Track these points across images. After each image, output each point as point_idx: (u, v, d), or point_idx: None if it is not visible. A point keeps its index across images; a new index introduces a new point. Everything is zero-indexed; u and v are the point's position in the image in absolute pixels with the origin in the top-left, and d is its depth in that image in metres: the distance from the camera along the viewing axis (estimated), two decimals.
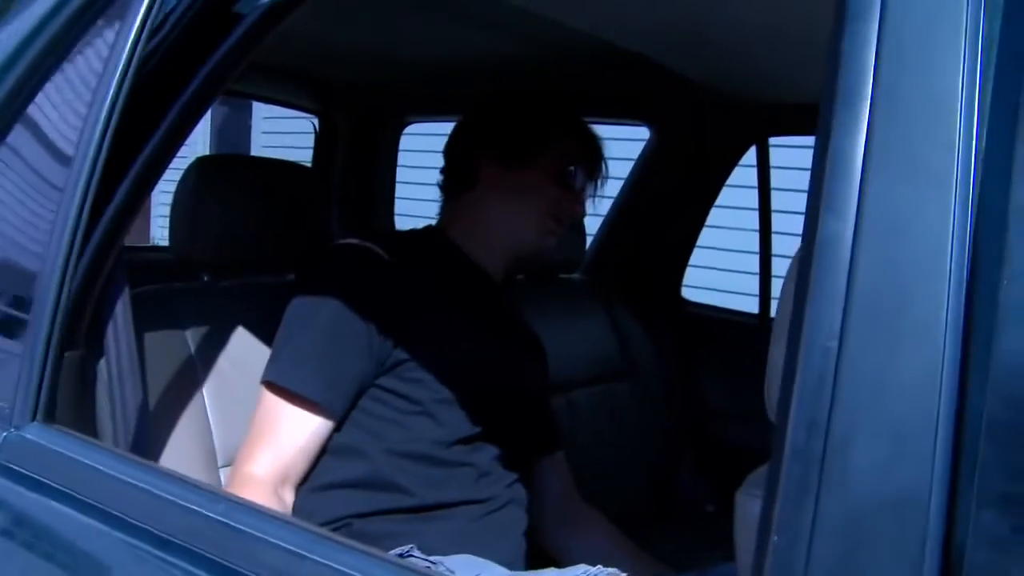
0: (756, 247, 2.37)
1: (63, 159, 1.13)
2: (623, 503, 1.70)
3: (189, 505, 0.90)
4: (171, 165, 1.23)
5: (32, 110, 1.25)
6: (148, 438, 1.27)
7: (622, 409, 2.24)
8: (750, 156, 2.36)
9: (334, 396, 1.38)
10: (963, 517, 0.51)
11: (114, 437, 1.20)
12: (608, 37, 1.72)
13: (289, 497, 1.36)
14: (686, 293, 2.60)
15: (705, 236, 2.56)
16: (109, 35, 1.13)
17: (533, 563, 1.49)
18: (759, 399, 0.73)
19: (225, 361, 1.48)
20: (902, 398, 0.55)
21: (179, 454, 1.38)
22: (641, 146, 2.49)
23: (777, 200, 2.35)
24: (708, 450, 2.31)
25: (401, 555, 1.29)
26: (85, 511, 0.95)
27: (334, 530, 1.32)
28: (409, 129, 2.74)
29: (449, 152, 1.67)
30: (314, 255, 1.50)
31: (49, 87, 1.24)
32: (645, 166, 2.46)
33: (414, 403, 1.42)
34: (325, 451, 1.41)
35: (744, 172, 2.43)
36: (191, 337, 1.46)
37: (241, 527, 0.86)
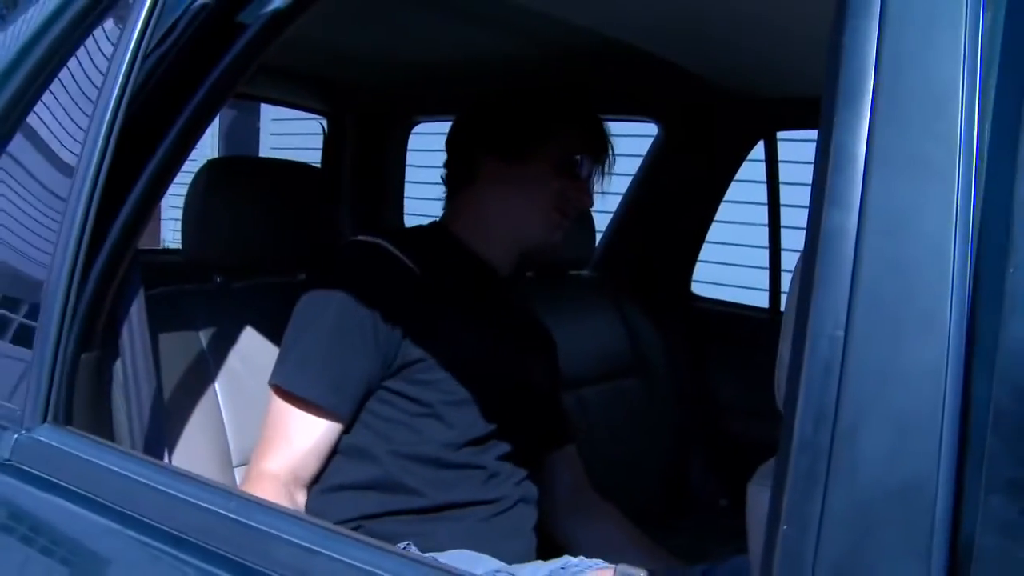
0: (765, 242, 2.37)
1: (66, 166, 1.14)
2: (635, 499, 1.70)
3: (200, 503, 0.91)
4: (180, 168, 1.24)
5: (35, 117, 1.25)
6: (163, 438, 1.28)
7: (633, 405, 2.24)
8: (758, 151, 2.37)
9: (340, 399, 1.39)
10: (971, 504, 0.51)
11: (130, 437, 1.21)
12: (614, 34, 1.72)
13: (301, 497, 1.37)
14: (696, 288, 2.60)
15: (714, 231, 2.56)
16: (109, 41, 1.13)
17: (544, 558, 1.49)
18: (770, 393, 0.74)
19: (238, 361, 1.49)
20: (908, 388, 0.56)
21: (194, 454, 1.39)
22: (649, 142, 2.49)
23: (786, 194, 2.35)
24: (720, 445, 2.31)
25: None
26: (95, 510, 0.96)
27: None
28: (417, 128, 2.75)
29: (450, 147, 1.65)
30: (324, 254, 1.50)
31: (52, 94, 1.25)
32: (653, 162, 2.46)
33: (423, 405, 1.42)
34: (336, 451, 1.41)
35: (752, 167, 2.44)
36: (204, 338, 1.47)
37: (254, 524, 0.86)
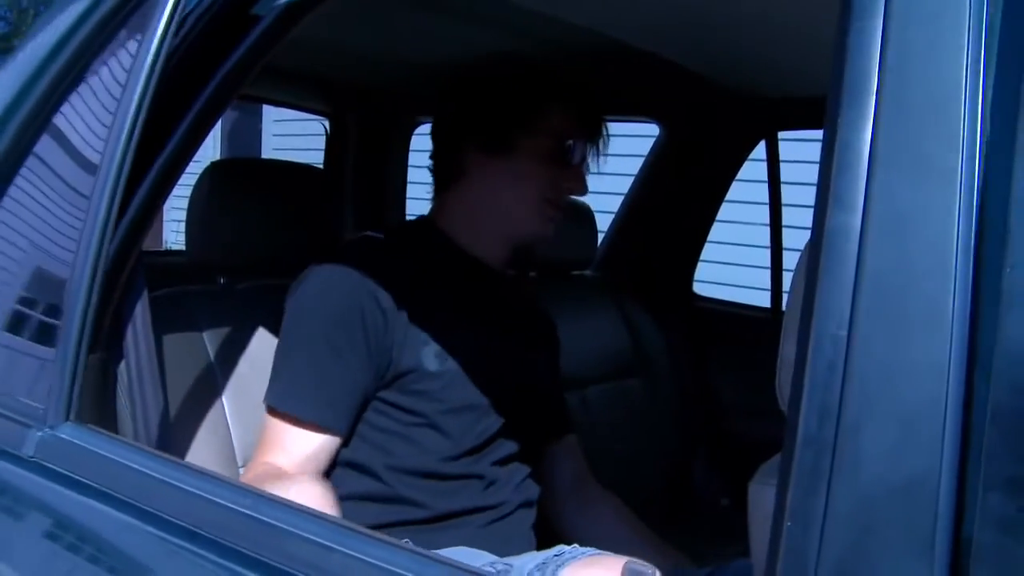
0: (767, 241, 2.38)
1: (90, 167, 1.15)
2: (637, 498, 1.70)
3: (217, 499, 0.92)
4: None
5: (60, 120, 1.26)
6: (168, 439, 1.29)
7: (635, 405, 2.24)
8: (760, 150, 2.37)
9: (336, 416, 1.37)
10: (971, 501, 0.52)
11: (135, 437, 1.21)
12: (614, 34, 1.72)
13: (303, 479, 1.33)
14: (697, 288, 2.60)
15: (715, 230, 2.56)
16: (132, 44, 1.15)
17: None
18: (772, 393, 0.74)
19: (242, 362, 1.49)
20: (911, 385, 0.56)
21: (198, 454, 1.40)
22: (649, 142, 2.50)
23: (787, 194, 2.36)
24: (722, 444, 2.32)
25: None
26: (115, 506, 0.98)
27: None
28: (420, 129, 2.75)
29: (434, 141, 1.59)
30: (309, 263, 1.45)
31: (75, 97, 1.26)
32: (655, 162, 2.47)
33: (418, 416, 1.40)
34: (335, 464, 1.40)
35: (754, 166, 2.44)
36: (208, 339, 1.48)
37: (269, 520, 0.88)
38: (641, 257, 2.50)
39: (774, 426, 0.77)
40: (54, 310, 1.14)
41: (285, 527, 0.86)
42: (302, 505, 0.93)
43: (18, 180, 1.29)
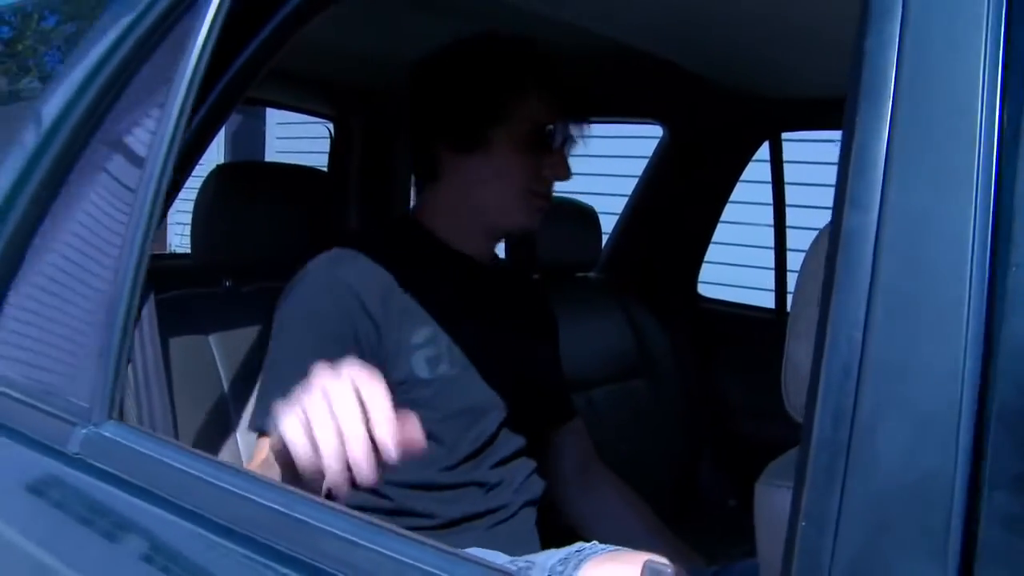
0: (771, 242, 2.38)
1: (135, 171, 1.17)
2: (644, 499, 1.70)
3: (250, 496, 0.94)
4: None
5: (107, 126, 1.30)
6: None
7: (641, 406, 2.25)
8: (763, 151, 2.37)
9: None
10: (981, 501, 0.52)
11: None
12: (617, 36, 1.73)
13: None
14: (702, 289, 2.61)
15: (720, 232, 2.57)
16: (174, 55, 1.18)
17: (552, 543, 1.47)
18: (777, 393, 0.74)
19: (248, 364, 1.50)
20: (925, 386, 0.56)
21: None
22: (652, 143, 2.50)
23: (791, 194, 2.36)
24: (728, 445, 2.32)
25: None
26: (155, 502, 1.01)
27: None
28: None
29: (411, 141, 1.53)
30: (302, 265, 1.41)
31: (122, 105, 1.29)
32: (659, 164, 2.47)
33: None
34: None
35: (758, 167, 2.44)
36: (214, 342, 1.48)
37: (300, 517, 0.90)
38: (645, 259, 2.51)
39: (780, 427, 0.77)
40: (100, 310, 1.17)
41: (317, 524, 0.88)
42: (332, 504, 0.94)
43: (69, 182, 1.32)
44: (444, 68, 1.47)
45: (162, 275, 1.35)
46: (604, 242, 2.40)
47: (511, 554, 1.37)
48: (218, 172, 1.55)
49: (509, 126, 1.41)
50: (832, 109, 1.75)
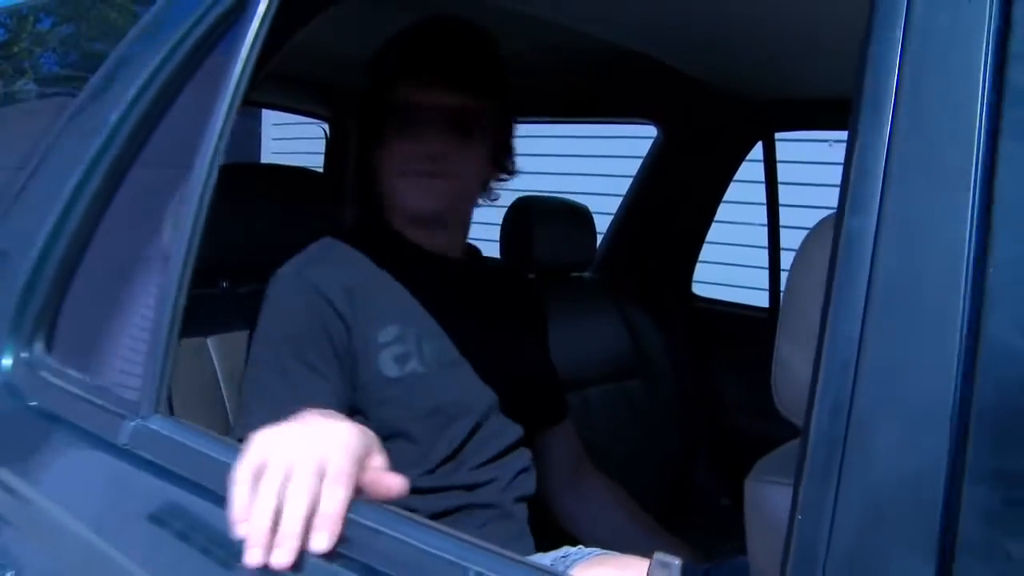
0: (762, 241, 2.40)
1: (185, 172, 1.22)
2: (638, 498, 1.71)
3: None
4: None
5: (162, 126, 1.37)
6: None
7: (636, 406, 2.25)
8: (757, 151, 2.39)
9: None
10: (964, 494, 0.53)
11: None
12: (613, 39, 1.74)
13: None
14: (696, 288, 2.62)
15: (713, 231, 2.58)
16: (222, 66, 1.24)
17: (544, 544, 1.48)
18: (771, 392, 0.76)
19: (244, 365, 1.50)
20: (919, 383, 0.58)
21: None
22: (645, 143, 2.52)
23: (784, 194, 2.37)
24: (722, 444, 2.33)
25: None
26: (199, 492, 1.06)
27: None
28: None
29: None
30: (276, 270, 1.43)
31: (177, 105, 1.36)
32: (653, 164, 2.49)
33: (385, 426, 1.31)
34: None
35: (750, 167, 2.46)
36: (211, 342, 1.48)
37: None
38: (640, 258, 2.52)
39: (774, 425, 0.78)
40: (148, 309, 1.22)
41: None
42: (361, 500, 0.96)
43: (124, 188, 1.38)
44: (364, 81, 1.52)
45: None
46: (599, 242, 2.41)
47: (512, 549, 1.37)
48: None
49: (392, 117, 1.44)
50: (825, 109, 1.77)
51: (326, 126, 2.89)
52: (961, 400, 0.55)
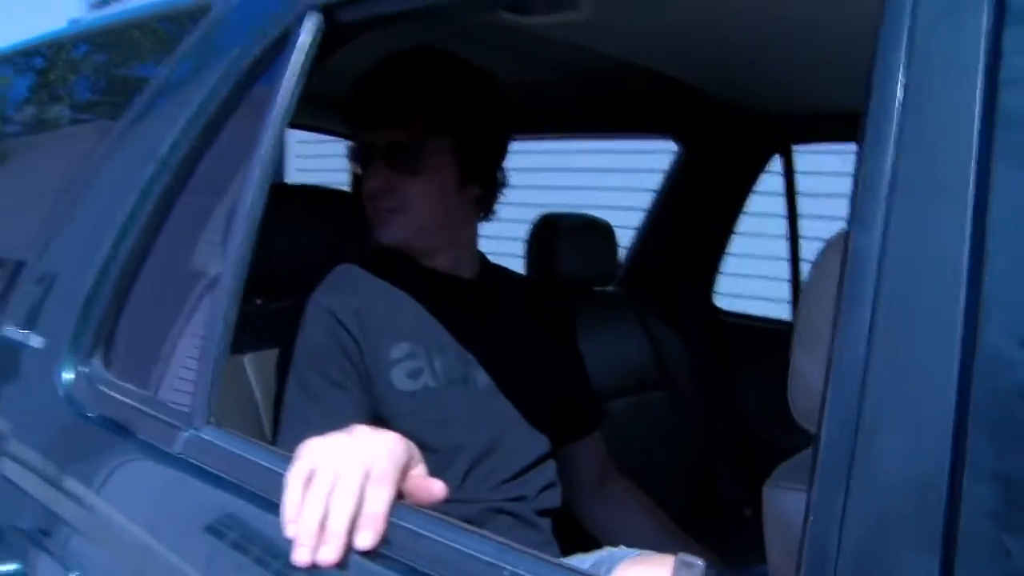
0: (784, 253, 2.42)
1: (233, 193, 1.29)
2: (662, 509, 1.73)
3: None
4: None
5: (212, 151, 1.44)
6: None
7: (659, 418, 2.27)
8: (776, 163, 2.41)
9: None
10: (966, 495, 0.57)
11: None
12: (637, 61, 1.77)
13: None
14: (717, 301, 2.64)
15: (734, 243, 2.61)
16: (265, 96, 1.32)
17: (571, 548, 1.51)
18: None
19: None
20: (922, 392, 0.61)
21: None
22: (664, 157, 2.55)
23: (805, 205, 2.40)
24: (745, 455, 2.35)
25: None
26: (248, 498, 1.12)
27: None
28: None
29: None
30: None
31: (226, 131, 1.43)
32: (674, 179, 2.52)
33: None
34: None
35: (770, 179, 2.48)
36: (247, 360, 1.52)
37: None
38: (662, 272, 2.54)
39: (795, 435, 0.81)
40: (198, 325, 1.29)
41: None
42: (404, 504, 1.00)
43: (176, 210, 1.45)
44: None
45: None
46: (621, 256, 2.44)
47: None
48: None
49: (352, 155, 1.54)
50: (840, 122, 1.80)
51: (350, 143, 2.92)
52: (960, 406, 0.58)
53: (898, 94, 0.66)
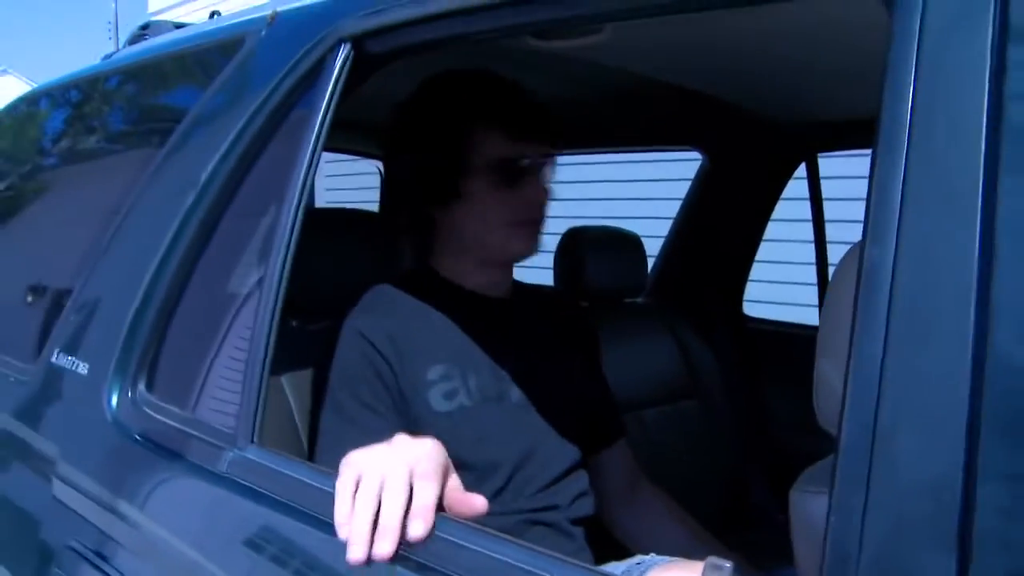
0: (811, 258, 2.43)
1: (271, 218, 1.34)
2: (696, 517, 1.74)
3: None
4: None
5: (251, 176, 1.50)
6: None
7: (691, 426, 2.28)
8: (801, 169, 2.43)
9: None
10: (979, 494, 0.59)
11: None
12: (664, 78, 1.80)
13: None
14: (747, 308, 2.66)
15: (762, 250, 2.62)
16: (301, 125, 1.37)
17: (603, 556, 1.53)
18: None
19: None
20: (936, 396, 0.64)
21: None
22: (691, 165, 2.57)
23: (830, 210, 2.41)
24: (777, 461, 2.36)
25: None
26: (290, 513, 1.16)
27: None
28: None
29: (393, 203, 1.64)
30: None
31: (267, 154, 1.48)
32: (700, 189, 2.54)
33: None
34: None
35: (795, 184, 2.49)
36: (286, 381, 1.55)
37: None
38: (691, 282, 2.56)
39: (823, 441, 0.84)
40: (241, 348, 1.32)
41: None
42: (444, 514, 1.04)
43: (217, 234, 1.51)
44: (404, 132, 1.57)
45: None
46: (650, 267, 2.46)
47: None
48: None
49: (475, 171, 1.48)
50: (863, 129, 1.82)
51: (380, 165, 2.96)
52: (973, 409, 0.61)
53: (908, 109, 0.68)
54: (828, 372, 0.80)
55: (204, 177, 1.50)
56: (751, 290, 2.64)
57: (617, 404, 1.78)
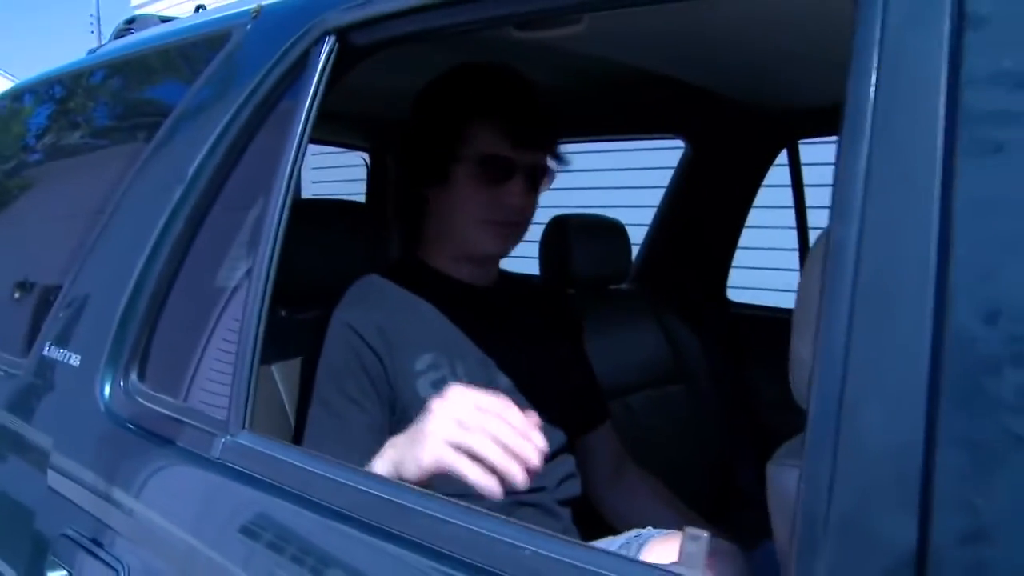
0: (792, 244, 2.46)
1: (259, 209, 1.35)
2: (683, 499, 1.78)
3: (360, 487, 1.12)
4: None
5: (235, 176, 1.52)
6: None
7: (677, 410, 2.32)
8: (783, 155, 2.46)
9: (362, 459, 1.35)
10: (939, 459, 0.63)
11: None
12: (640, 64, 1.82)
13: None
14: (730, 294, 2.69)
15: (745, 236, 2.65)
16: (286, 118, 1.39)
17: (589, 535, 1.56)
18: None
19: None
20: (898, 369, 0.67)
21: None
22: (673, 153, 2.60)
23: (811, 196, 2.44)
24: (762, 443, 2.39)
25: None
26: (285, 497, 1.19)
27: None
28: None
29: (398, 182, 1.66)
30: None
31: (255, 144, 1.50)
32: (683, 176, 2.57)
33: None
34: None
35: (776, 171, 2.52)
36: (275, 370, 1.57)
37: (402, 502, 1.06)
38: (675, 268, 2.59)
39: (804, 418, 0.87)
40: (231, 335, 1.35)
41: (413, 506, 1.05)
42: (432, 494, 1.07)
43: (206, 226, 1.53)
44: (414, 110, 1.60)
45: None
46: (634, 254, 2.48)
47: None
48: None
49: (464, 160, 1.51)
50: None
51: (366, 156, 2.99)
52: (932, 380, 0.64)
53: (871, 95, 0.71)
54: (800, 350, 0.84)
55: (191, 170, 1.52)
56: (734, 276, 2.67)
57: (604, 389, 1.81)
